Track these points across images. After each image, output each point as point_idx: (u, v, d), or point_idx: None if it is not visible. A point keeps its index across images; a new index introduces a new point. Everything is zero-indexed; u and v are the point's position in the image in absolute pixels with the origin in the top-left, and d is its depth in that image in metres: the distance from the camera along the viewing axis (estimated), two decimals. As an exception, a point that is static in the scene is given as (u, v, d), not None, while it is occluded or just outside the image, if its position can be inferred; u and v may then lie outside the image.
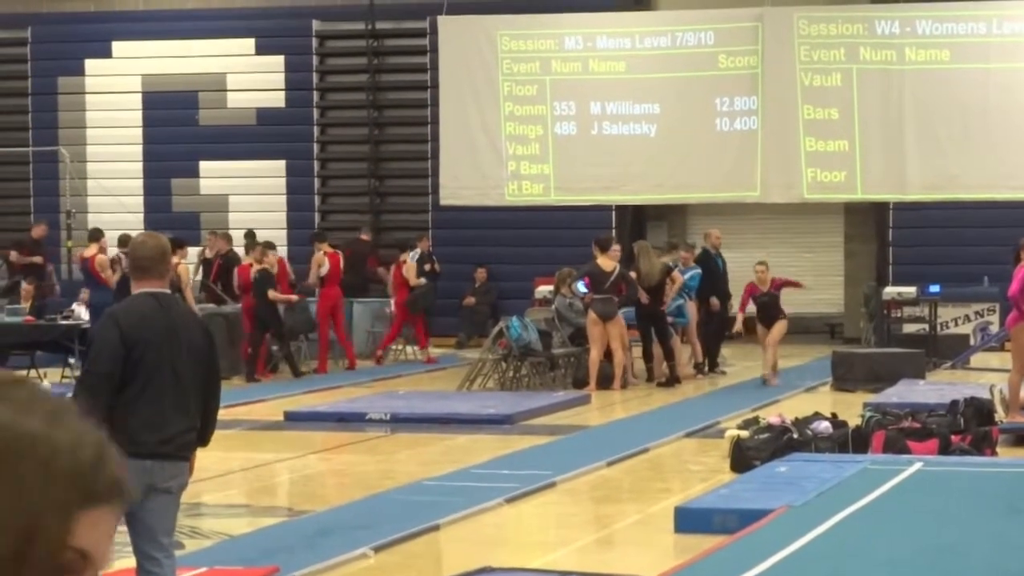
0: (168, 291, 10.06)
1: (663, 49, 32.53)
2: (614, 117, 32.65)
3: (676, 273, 26.45)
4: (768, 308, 24.11)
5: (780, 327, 24.34)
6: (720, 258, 27.94)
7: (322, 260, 28.66)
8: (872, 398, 21.31)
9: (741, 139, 31.93)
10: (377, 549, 12.91)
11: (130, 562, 9.46)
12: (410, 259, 30.60)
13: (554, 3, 33.14)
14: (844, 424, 17.98)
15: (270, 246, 28.56)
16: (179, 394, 9.34)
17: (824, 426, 17.66)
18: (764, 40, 31.70)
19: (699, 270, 27.32)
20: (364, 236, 32.00)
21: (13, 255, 30.03)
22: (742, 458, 16.81)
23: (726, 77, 32.12)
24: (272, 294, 27.48)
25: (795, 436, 17.32)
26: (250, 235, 29.67)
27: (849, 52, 31.68)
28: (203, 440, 9.68)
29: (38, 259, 29.92)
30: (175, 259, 25.96)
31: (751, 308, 25.90)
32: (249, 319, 27.67)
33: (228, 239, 29.92)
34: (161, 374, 9.25)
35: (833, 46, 31.78)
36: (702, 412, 22.09)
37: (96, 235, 27.27)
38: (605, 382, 25.06)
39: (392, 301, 30.79)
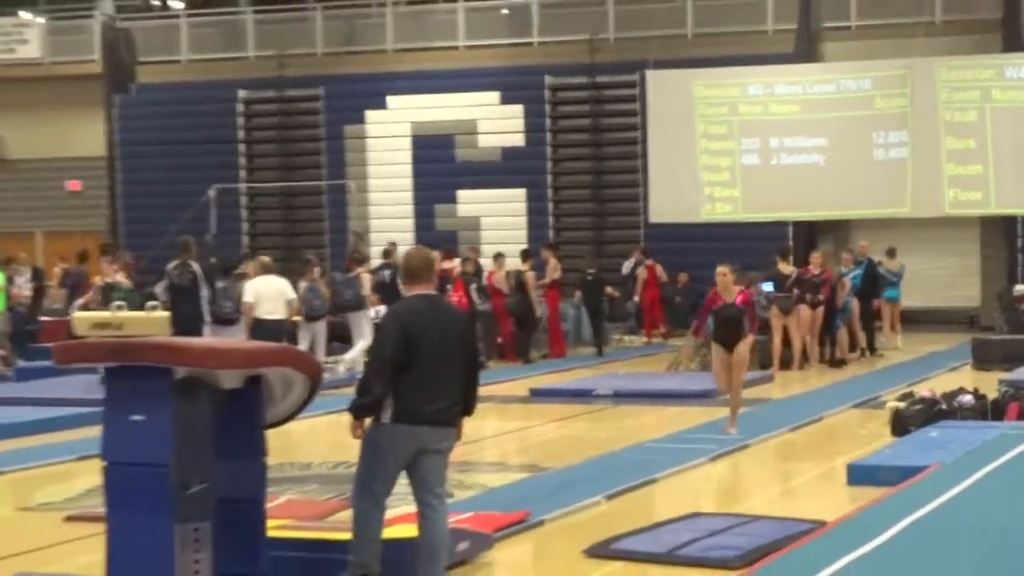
0: (436, 292, 10.36)
1: (829, 94, 33.03)
2: (790, 150, 33.32)
3: (846, 279, 26.89)
4: (731, 325, 17.43)
5: (743, 352, 17.42)
6: (867, 261, 28.07)
7: (556, 266, 29.32)
8: (1006, 376, 20.97)
9: (894, 166, 32.40)
10: (608, 497, 13.33)
11: (412, 507, 9.99)
12: (624, 268, 32.52)
13: (740, 58, 33.84)
14: (984, 397, 17.94)
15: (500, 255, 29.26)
16: (447, 374, 9.69)
17: (967, 399, 17.71)
18: (912, 85, 32.19)
19: (859, 271, 27.58)
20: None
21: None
22: (900, 425, 17.01)
23: (881, 115, 32.60)
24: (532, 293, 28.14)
25: (943, 407, 17.45)
26: (498, 255, 29.80)
27: (983, 93, 31.95)
28: (467, 411, 9.92)
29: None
30: (449, 265, 27.68)
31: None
32: (501, 315, 28.33)
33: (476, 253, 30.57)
34: (433, 359, 9.58)
35: (969, 88, 32.11)
36: (866, 388, 22.16)
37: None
38: (785, 364, 25.33)
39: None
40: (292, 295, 23.04)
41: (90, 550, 10.68)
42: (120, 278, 26.08)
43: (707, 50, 34.75)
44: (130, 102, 38.10)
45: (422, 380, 9.61)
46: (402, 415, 9.59)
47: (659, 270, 32.52)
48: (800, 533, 11.52)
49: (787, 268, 26.39)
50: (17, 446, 17.72)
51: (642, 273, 31.87)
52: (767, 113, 33.73)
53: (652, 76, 34.08)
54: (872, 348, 28.11)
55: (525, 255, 29.61)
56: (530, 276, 28.72)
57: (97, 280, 26.35)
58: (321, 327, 25.11)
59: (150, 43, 39.01)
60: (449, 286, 26.45)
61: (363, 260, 26.53)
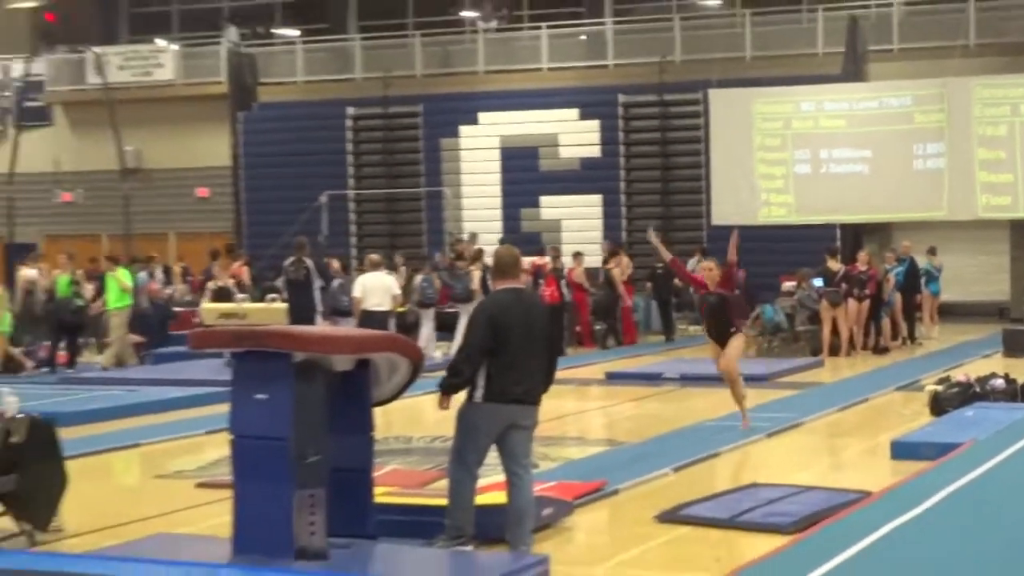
0: (522, 286, 10.41)
1: (873, 110, 32.82)
2: (837, 160, 33.15)
3: (891, 275, 26.84)
4: (714, 314, 15.86)
5: (737, 346, 15.97)
6: (909, 260, 27.95)
7: (627, 265, 29.32)
8: (1035, 362, 20.87)
9: (932, 174, 32.20)
10: (675, 469, 13.40)
11: (501, 477, 9.98)
12: (689, 265, 32.33)
13: (793, 78, 33.54)
14: (1014, 381, 17.86)
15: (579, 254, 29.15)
16: (531, 359, 9.74)
17: (999, 382, 17.65)
18: (949, 101, 31.97)
19: (902, 268, 27.40)
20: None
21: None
22: (938, 406, 16.99)
23: (920, 129, 32.42)
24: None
25: (977, 390, 17.40)
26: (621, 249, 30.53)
27: (1013, 109, 31.80)
28: (545, 389, 10.00)
29: None
30: (541, 262, 27.75)
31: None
32: (580, 307, 28.15)
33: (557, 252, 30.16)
34: (519, 345, 9.65)
35: (1001, 105, 31.93)
36: (907, 372, 22.09)
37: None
38: (834, 351, 25.22)
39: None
40: (396, 290, 23.16)
41: (219, 513, 10.78)
42: (231, 282, 26.73)
43: (764, 71, 34.55)
44: (252, 118, 38.39)
45: (510, 364, 9.65)
46: (493, 395, 9.67)
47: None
48: (848, 502, 11.52)
49: (835, 265, 26.18)
50: (154, 421, 17.93)
51: (700, 270, 31.44)
52: (817, 127, 33.55)
53: (714, 94, 33.99)
54: (912, 337, 27.88)
55: (612, 252, 29.71)
56: (616, 272, 28.62)
57: (211, 284, 26.71)
58: (431, 314, 25.79)
59: (270, 66, 39.32)
60: (542, 280, 26.60)
61: (476, 258, 26.58)
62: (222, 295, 25.95)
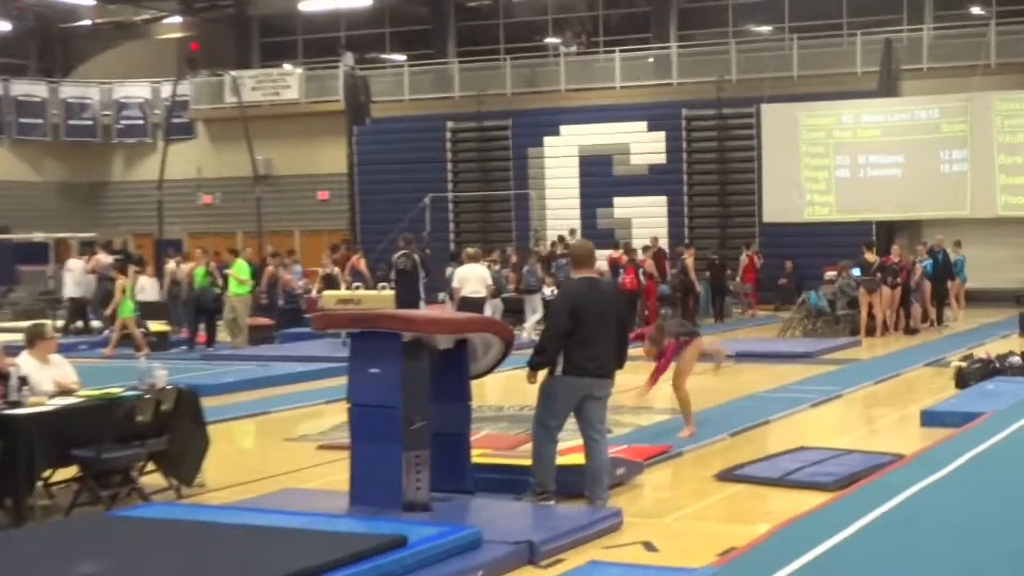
0: (596, 275, 10.39)
1: (905, 121, 32.68)
2: (874, 165, 33.01)
3: (918, 265, 26.64)
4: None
5: (687, 358, 13.55)
6: (942, 252, 27.61)
7: (689, 257, 28.85)
8: (1048, 343, 20.63)
9: (956, 177, 32.09)
10: (731, 434, 13.42)
11: (579, 441, 10.02)
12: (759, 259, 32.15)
13: (834, 94, 33.36)
14: None
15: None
16: (604, 338, 9.72)
17: (1016, 360, 17.44)
18: (972, 113, 31.89)
19: (931, 260, 27.22)
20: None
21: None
22: (962, 380, 16.83)
23: (946, 138, 32.23)
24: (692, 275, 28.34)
25: (997, 366, 17.22)
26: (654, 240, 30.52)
27: None
28: (619, 365, 10.01)
29: None
30: (617, 254, 27.73)
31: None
32: (649, 293, 27.37)
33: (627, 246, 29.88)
34: (593, 326, 9.64)
35: (1018, 116, 31.77)
36: (934, 351, 21.86)
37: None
38: (870, 332, 24.88)
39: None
40: (490, 280, 23.19)
41: (338, 471, 10.87)
42: (336, 270, 26.86)
43: (809, 88, 34.21)
44: (365, 132, 38.50)
45: (585, 343, 9.63)
46: (571, 369, 9.71)
47: (756, 260, 32.00)
48: (884, 463, 11.46)
49: (871, 257, 25.72)
50: (282, 392, 18.08)
51: (743, 260, 31.45)
52: (856, 137, 33.41)
53: (766, 109, 33.84)
54: (940, 320, 27.56)
55: (686, 245, 30.00)
56: (691, 262, 28.55)
57: (320, 272, 26.89)
58: (535, 299, 25.76)
59: (380, 87, 39.42)
60: (621, 270, 26.63)
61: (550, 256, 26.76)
62: (329, 282, 26.19)
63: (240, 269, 23.58)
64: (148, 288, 26.85)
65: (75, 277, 27.45)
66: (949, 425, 13.40)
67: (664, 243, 32.85)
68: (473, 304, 21.65)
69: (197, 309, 24.21)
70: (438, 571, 7.82)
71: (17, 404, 10.14)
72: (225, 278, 24.06)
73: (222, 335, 24.41)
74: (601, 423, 9.92)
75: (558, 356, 9.71)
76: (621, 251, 28.48)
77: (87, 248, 30.97)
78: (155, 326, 24.64)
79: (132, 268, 26.00)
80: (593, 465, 9.82)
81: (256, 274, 25.43)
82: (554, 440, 9.90)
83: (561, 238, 31.33)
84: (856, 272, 25.94)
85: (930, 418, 14.06)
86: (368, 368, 9.44)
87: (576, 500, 9.88)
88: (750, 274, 31.65)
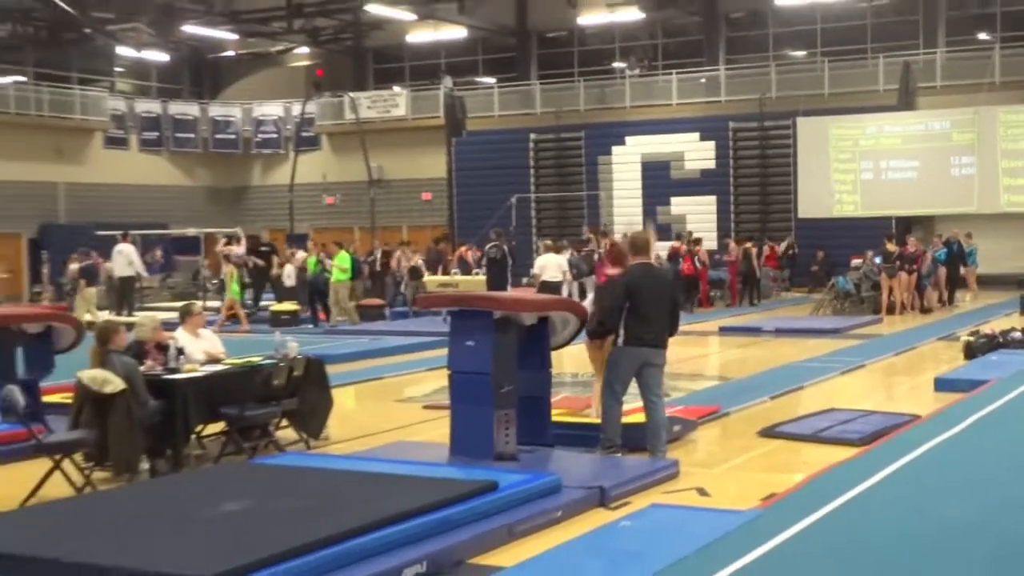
0: (652, 261, 10.36)
1: (920, 131, 32.30)
2: (893, 168, 32.61)
3: (928, 254, 26.20)
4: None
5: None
6: (957, 243, 27.38)
7: (736, 248, 28.52)
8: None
9: (965, 179, 31.70)
10: (772, 398, 13.30)
11: (640, 403, 9.92)
12: (780, 248, 31.88)
13: (860, 108, 32.95)
14: None
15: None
16: (658, 314, 9.68)
17: (1017, 335, 17.38)
18: (979, 125, 31.53)
19: (944, 250, 26.95)
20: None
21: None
22: (970, 352, 16.76)
23: (956, 146, 31.85)
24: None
25: (1000, 340, 17.14)
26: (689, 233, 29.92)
27: None
28: (671, 334, 9.92)
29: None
30: (678, 244, 27.48)
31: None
32: (703, 279, 27.49)
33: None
34: (649, 304, 9.61)
35: (1019, 127, 31.39)
36: (946, 327, 21.57)
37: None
38: (890, 311, 24.72)
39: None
40: (566, 266, 23.17)
41: (440, 427, 10.89)
42: (419, 261, 26.89)
43: (838, 103, 33.74)
44: (462, 143, 38.44)
45: (642, 318, 9.61)
46: (631, 340, 9.70)
47: (776, 249, 31.63)
48: (903, 422, 11.36)
49: (891, 247, 25.60)
50: (392, 361, 18.14)
51: (765, 250, 30.79)
52: (878, 145, 32.90)
53: (801, 122, 33.51)
54: (952, 301, 27.20)
55: (748, 237, 29.91)
56: (752, 250, 28.30)
57: (406, 263, 26.98)
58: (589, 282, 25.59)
59: (474, 105, 39.37)
60: (681, 259, 26.56)
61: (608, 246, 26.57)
62: (414, 272, 26.30)
63: (342, 259, 23.64)
64: (293, 275, 26.92)
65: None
66: (959, 391, 13.31)
67: (713, 236, 32.83)
68: (551, 287, 21.58)
69: (312, 292, 24.29)
70: (524, 511, 7.83)
71: (175, 371, 10.28)
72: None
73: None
74: (659, 387, 9.85)
75: (617, 328, 9.68)
76: (682, 242, 28.32)
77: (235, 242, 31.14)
78: (289, 306, 24.84)
79: (275, 258, 26.27)
80: (653, 423, 9.77)
81: (357, 264, 25.29)
82: (619, 401, 9.88)
83: (604, 233, 31.14)
84: (878, 260, 25.79)
85: (943, 384, 13.90)
86: (465, 341, 9.46)
87: (639, 452, 9.85)
88: (771, 261, 31.28)
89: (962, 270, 27.77)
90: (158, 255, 33.74)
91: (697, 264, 27.03)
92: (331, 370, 12.13)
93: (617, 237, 27.57)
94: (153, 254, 33.96)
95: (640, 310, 9.59)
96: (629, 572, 6.54)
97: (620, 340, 9.73)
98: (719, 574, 6.48)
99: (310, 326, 23.72)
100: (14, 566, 6.26)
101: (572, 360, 16.98)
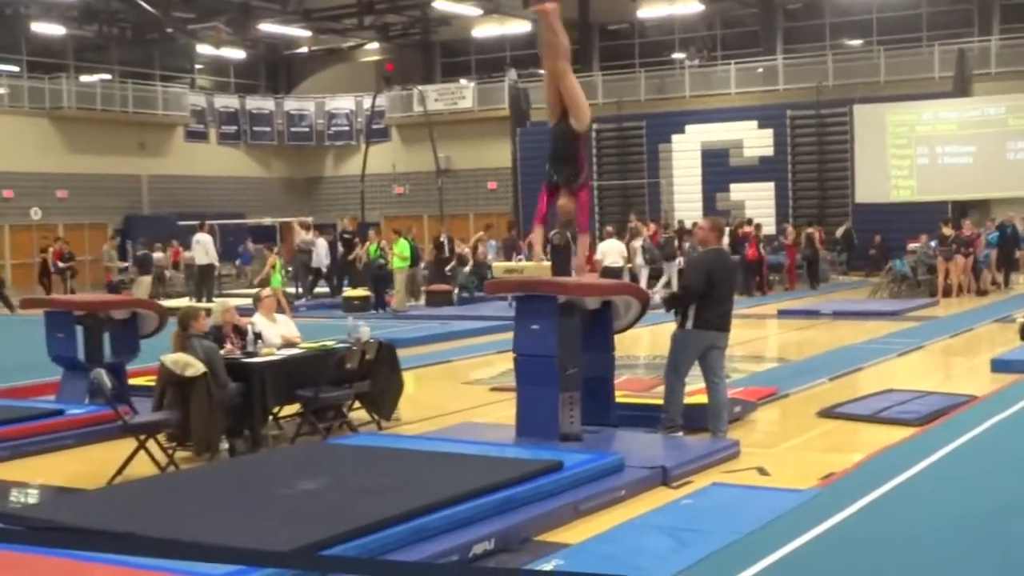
0: (721, 247, 10.43)
1: (976, 117, 31.89)
2: (949, 154, 32.17)
3: (981, 237, 26.16)
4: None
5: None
6: (1012, 226, 26.88)
7: (793, 232, 28.72)
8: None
9: (1020, 164, 31.24)
10: (831, 379, 13.18)
11: (702, 385, 9.95)
12: (838, 234, 31.77)
13: (916, 95, 32.56)
14: None
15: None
16: (725, 297, 9.74)
17: None
18: None
19: (998, 233, 26.69)
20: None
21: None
22: None
23: (1012, 131, 31.45)
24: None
25: None
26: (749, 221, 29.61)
27: None
28: None
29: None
30: (748, 229, 27.44)
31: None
32: (762, 263, 27.24)
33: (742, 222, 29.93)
34: (721, 288, 9.69)
35: None
36: (1001, 309, 21.31)
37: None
38: (946, 293, 24.49)
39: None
40: (626, 252, 23.11)
41: (506, 408, 10.89)
42: (466, 250, 27.13)
43: (894, 91, 33.37)
44: (526, 133, 38.25)
45: (714, 301, 9.60)
46: (700, 323, 9.69)
47: (819, 234, 30.73)
48: (960, 403, 11.26)
49: (947, 231, 25.22)
50: (460, 344, 18.20)
51: (815, 234, 30.03)
52: (934, 131, 32.50)
53: (858, 109, 33.13)
54: (1007, 283, 26.86)
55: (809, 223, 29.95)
56: (815, 235, 28.12)
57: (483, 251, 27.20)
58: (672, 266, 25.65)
59: (538, 97, 38.97)
60: (747, 243, 26.51)
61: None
62: (461, 260, 26.47)
63: (401, 247, 23.68)
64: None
65: (320, 251, 27.39)
66: (1015, 371, 13.12)
67: (772, 221, 32.57)
68: (613, 273, 21.51)
69: (374, 279, 24.39)
70: (588, 490, 7.82)
71: (253, 354, 10.38)
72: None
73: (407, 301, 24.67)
74: (721, 369, 9.84)
75: (687, 311, 9.65)
76: (746, 227, 28.17)
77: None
78: (361, 292, 24.95)
79: (357, 247, 26.45)
80: (715, 403, 9.74)
81: (416, 251, 25.30)
82: (683, 383, 9.85)
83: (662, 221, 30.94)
84: (934, 244, 25.59)
85: (999, 365, 13.70)
86: (530, 325, 9.44)
87: (701, 433, 9.80)
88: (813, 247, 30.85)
89: (1016, 253, 27.34)
90: (250, 246, 34.09)
91: (762, 250, 27.02)
92: (401, 354, 12.17)
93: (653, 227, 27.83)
94: (245, 245, 34.40)
95: (712, 294, 9.59)
96: (692, 549, 6.52)
97: (689, 323, 9.70)
98: (780, 552, 6.43)
99: (378, 311, 23.84)
100: (102, 541, 6.32)
101: (635, 342, 16.95)
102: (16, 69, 37.72)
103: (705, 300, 9.57)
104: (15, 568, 5.70)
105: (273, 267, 23.65)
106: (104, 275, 32.11)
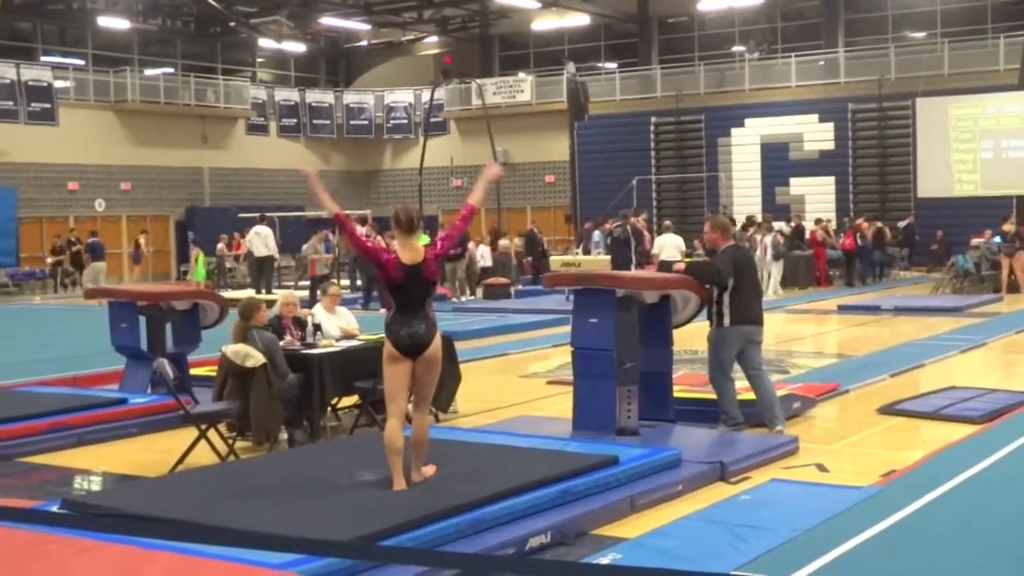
0: (738, 243, 10.53)
1: (1042, 110, 31.38)
2: (1014, 148, 31.46)
3: None
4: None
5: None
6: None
7: (859, 227, 28.31)
8: None
9: (1087, 157, 30.73)
10: (892, 375, 13.07)
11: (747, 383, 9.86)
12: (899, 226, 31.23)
13: (980, 88, 31.96)
14: None
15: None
16: (755, 292, 9.80)
17: None
18: None
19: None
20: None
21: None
22: None
23: (1075, 123, 30.93)
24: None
25: None
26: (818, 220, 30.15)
27: None
28: None
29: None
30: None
31: None
32: (819, 258, 27.34)
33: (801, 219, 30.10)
34: (749, 280, 9.70)
35: None
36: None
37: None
38: (1010, 290, 24.20)
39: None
40: (683, 247, 23.03)
41: (563, 402, 10.88)
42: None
43: (957, 84, 32.85)
44: (584, 127, 38.28)
45: (746, 296, 9.60)
46: (736, 319, 9.66)
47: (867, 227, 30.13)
48: (1023, 401, 10.98)
49: (1009, 227, 25.15)
50: (518, 338, 18.22)
51: (867, 227, 29.69)
52: (998, 124, 31.88)
53: (920, 102, 32.68)
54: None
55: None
56: (885, 229, 28.13)
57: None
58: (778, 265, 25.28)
59: (596, 90, 39.24)
60: (841, 234, 27.00)
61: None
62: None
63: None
64: (486, 255, 27.31)
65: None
66: (1077, 366, 12.96)
67: (832, 216, 32.32)
68: (670, 267, 21.40)
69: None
70: (645, 485, 7.80)
71: (312, 346, 10.45)
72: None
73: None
74: (760, 363, 9.80)
75: (724, 309, 9.62)
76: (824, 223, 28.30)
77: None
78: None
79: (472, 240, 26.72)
80: (763, 397, 9.68)
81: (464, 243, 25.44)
82: (729, 378, 9.82)
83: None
84: (997, 239, 25.28)
85: (1062, 361, 13.58)
86: (588, 318, 9.43)
87: (760, 428, 9.72)
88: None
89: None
90: (332, 237, 34.33)
91: (859, 240, 26.88)
92: (459, 346, 12.22)
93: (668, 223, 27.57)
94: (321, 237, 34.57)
95: (744, 288, 9.59)
96: (750, 545, 6.47)
97: (726, 320, 9.65)
98: (839, 549, 6.38)
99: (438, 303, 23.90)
100: (164, 529, 6.40)
101: (693, 337, 16.87)
102: (82, 63, 38.36)
103: (738, 295, 9.54)
104: (80, 554, 5.79)
105: (196, 260, 23.75)
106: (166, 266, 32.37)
